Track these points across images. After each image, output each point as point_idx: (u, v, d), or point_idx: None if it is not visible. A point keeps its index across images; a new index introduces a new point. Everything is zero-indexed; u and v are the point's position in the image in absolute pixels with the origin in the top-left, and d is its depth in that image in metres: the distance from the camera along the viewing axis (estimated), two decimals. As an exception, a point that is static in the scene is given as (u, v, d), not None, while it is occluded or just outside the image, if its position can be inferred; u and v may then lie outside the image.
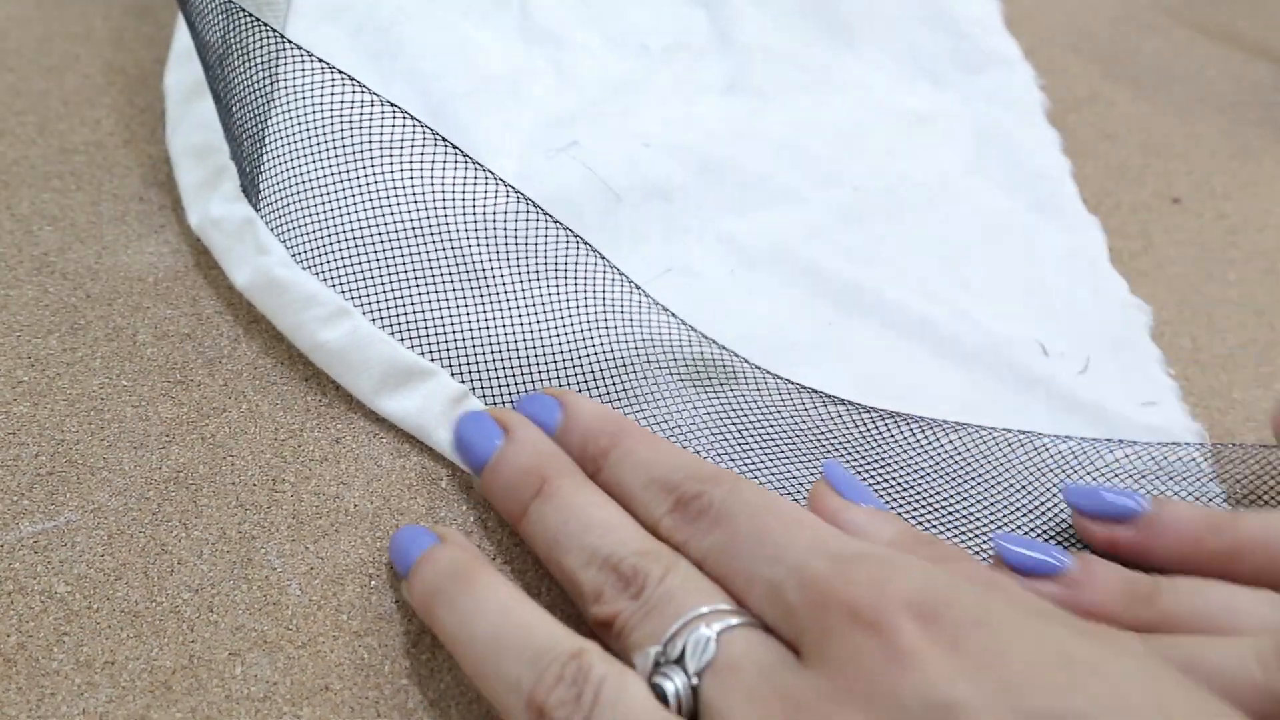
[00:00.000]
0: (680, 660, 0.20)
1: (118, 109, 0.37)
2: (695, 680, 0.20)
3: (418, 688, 0.23)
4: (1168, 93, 0.46)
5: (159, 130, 0.36)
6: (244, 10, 0.31)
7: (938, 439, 0.29)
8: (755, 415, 0.29)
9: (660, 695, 0.20)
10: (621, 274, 0.30)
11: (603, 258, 0.30)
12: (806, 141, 0.39)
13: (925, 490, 0.28)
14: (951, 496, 0.28)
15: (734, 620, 0.21)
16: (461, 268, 0.30)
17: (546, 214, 0.30)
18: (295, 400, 0.29)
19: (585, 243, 0.30)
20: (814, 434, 0.29)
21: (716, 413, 0.29)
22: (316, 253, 0.30)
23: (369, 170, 0.31)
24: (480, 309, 0.29)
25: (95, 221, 0.33)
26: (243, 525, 0.26)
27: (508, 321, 0.29)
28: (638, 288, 0.30)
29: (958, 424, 0.29)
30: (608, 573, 0.23)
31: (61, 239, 0.32)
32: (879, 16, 0.45)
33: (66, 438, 0.27)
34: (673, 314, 0.30)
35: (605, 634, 0.22)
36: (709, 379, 0.29)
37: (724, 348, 0.30)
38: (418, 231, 0.30)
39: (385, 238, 0.30)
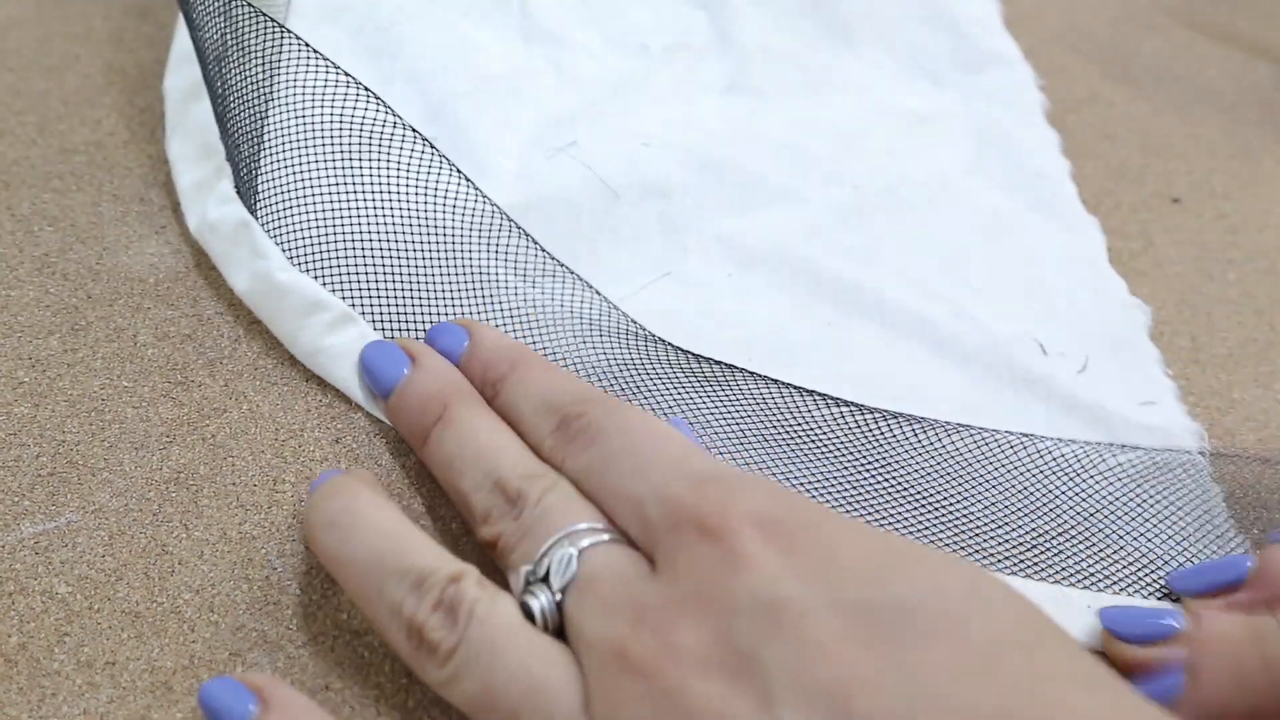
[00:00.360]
0: (547, 578, 0.21)
1: (118, 109, 0.37)
2: (559, 596, 0.21)
3: (418, 686, 0.23)
4: (1167, 93, 0.46)
5: (159, 131, 0.36)
6: (245, 4, 0.31)
7: (938, 440, 0.29)
8: (757, 415, 0.29)
9: (528, 613, 0.21)
10: (612, 304, 0.30)
11: (593, 289, 0.30)
12: (806, 141, 0.39)
13: (925, 490, 0.28)
14: (951, 497, 0.28)
15: (601, 537, 0.22)
16: (460, 269, 0.30)
17: (530, 237, 0.30)
18: (296, 401, 0.29)
19: (571, 271, 0.30)
20: (814, 435, 0.29)
21: (718, 413, 0.29)
22: (316, 255, 0.30)
23: (367, 171, 0.31)
24: (480, 313, 0.29)
25: (96, 222, 0.33)
26: (243, 525, 0.26)
27: (509, 326, 0.29)
28: (633, 321, 0.30)
29: (959, 425, 0.29)
30: (496, 494, 0.23)
31: (62, 240, 0.32)
32: (879, 16, 0.45)
33: (67, 439, 0.27)
34: (669, 344, 0.30)
35: (493, 554, 0.23)
36: (710, 376, 0.29)
37: (718, 363, 0.30)
38: (416, 234, 0.30)
39: (383, 240, 0.30)
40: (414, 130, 0.31)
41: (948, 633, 0.18)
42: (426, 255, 0.30)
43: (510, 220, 0.31)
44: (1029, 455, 0.29)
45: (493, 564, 0.24)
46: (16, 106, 0.36)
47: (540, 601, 0.21)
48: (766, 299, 0.33)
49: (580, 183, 0.35)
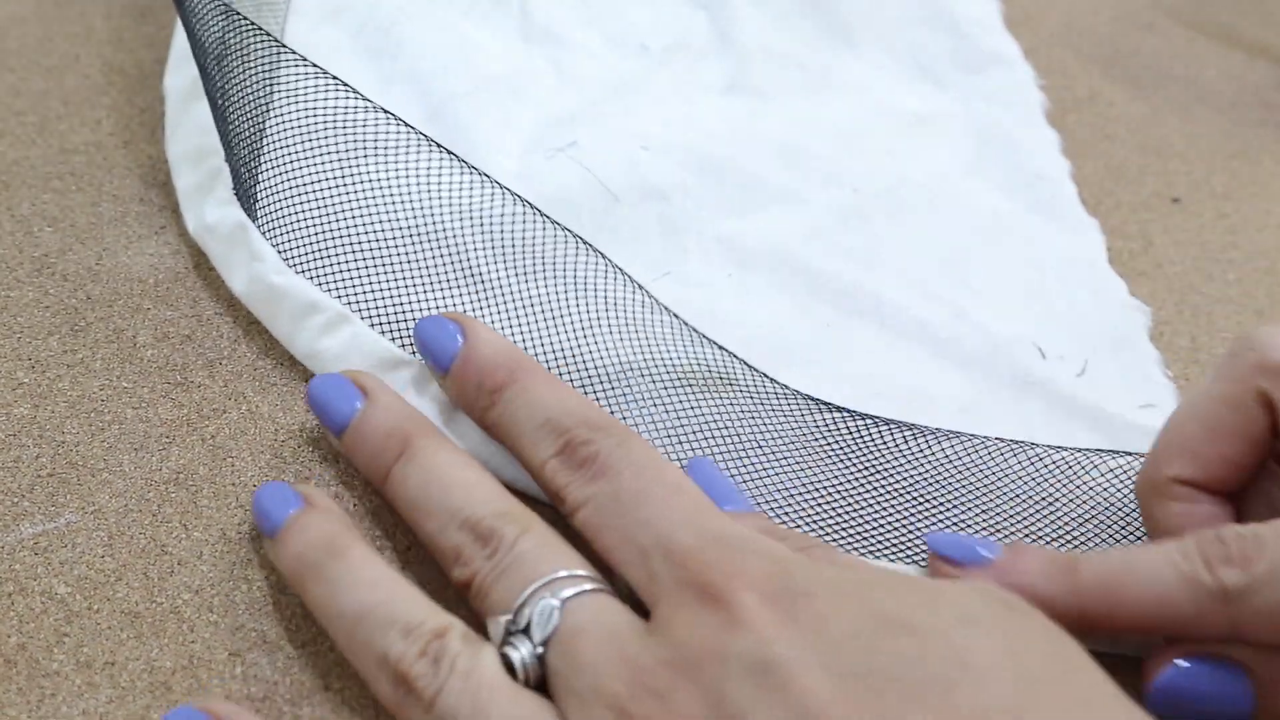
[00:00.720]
0: (527, 629, 0.21)
1: (118, 109, 0.37)
2: (540, 649, 0.21)
3: (417, 688, 0.23)
4: (1167, 93, 0.46)
5: (159, 131, 0.36)
6: (242, 16, 0.31)
7: (929, 447, 0.29)
8: (751, 422, 0.29)
9: (509, 664, 0.21)
10: (622, 272, 0.30)
11: (602, 255, 0.30)
12: (806, 142, 0.39)
13: (919, 496, 0.28)
14: (945, 503, 0.28)
15: (584, 586, 0.22)
16: (458, 270, 0.30)
17: (543, 214, 0.30)
18: (295, 401, 0.29)
19: (584, 241, 0.30)
20: (809, 441, 0.29)
21: (713, 418, 0.29)
22: (312, 257, 0.30)
23: (364, 174, 0.31)
24: (477, 312, 0.29)
25: (95, 223, 0.33)
26: (242, 526, 0.26)
27: (505, 324, 0.29)
28: (639, 286, 0.30)
29: (951, 432, 0.29)
30: (465, 533, 0.23)
31: (62, 240, 0.32)
32: (879, 16, 0.45)
33: (67, 439, 0.27)
34: (673, 313, 0.30)
35: (467, 596, 0.23)
36: (705, 383, 0.29)
37: (722, 348, 0.30)
38: (414, 235, 0.30)
39: (381, 242, 0.30)
40: (411, 127, 0.31)
41: (932, 700, 0.18)
42: (423, 253, 0.30)
43: (514, 194, 0.30)
44: (1019, 462, 0.29)
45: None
46: (16, 106, 0.36)
47: (521, 654, 0.21)
48: (766, 299, 0.33)
49: (580, 184, 0.35)
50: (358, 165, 0.31)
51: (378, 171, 0.31)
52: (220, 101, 0.32)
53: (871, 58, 0.44)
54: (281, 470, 0.27)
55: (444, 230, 0.30)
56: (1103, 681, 0.19)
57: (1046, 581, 0.24)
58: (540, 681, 0.21)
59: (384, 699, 0.22)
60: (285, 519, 0.24)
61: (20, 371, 0.28)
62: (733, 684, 0.19)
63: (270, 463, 0.27)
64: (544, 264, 0.30)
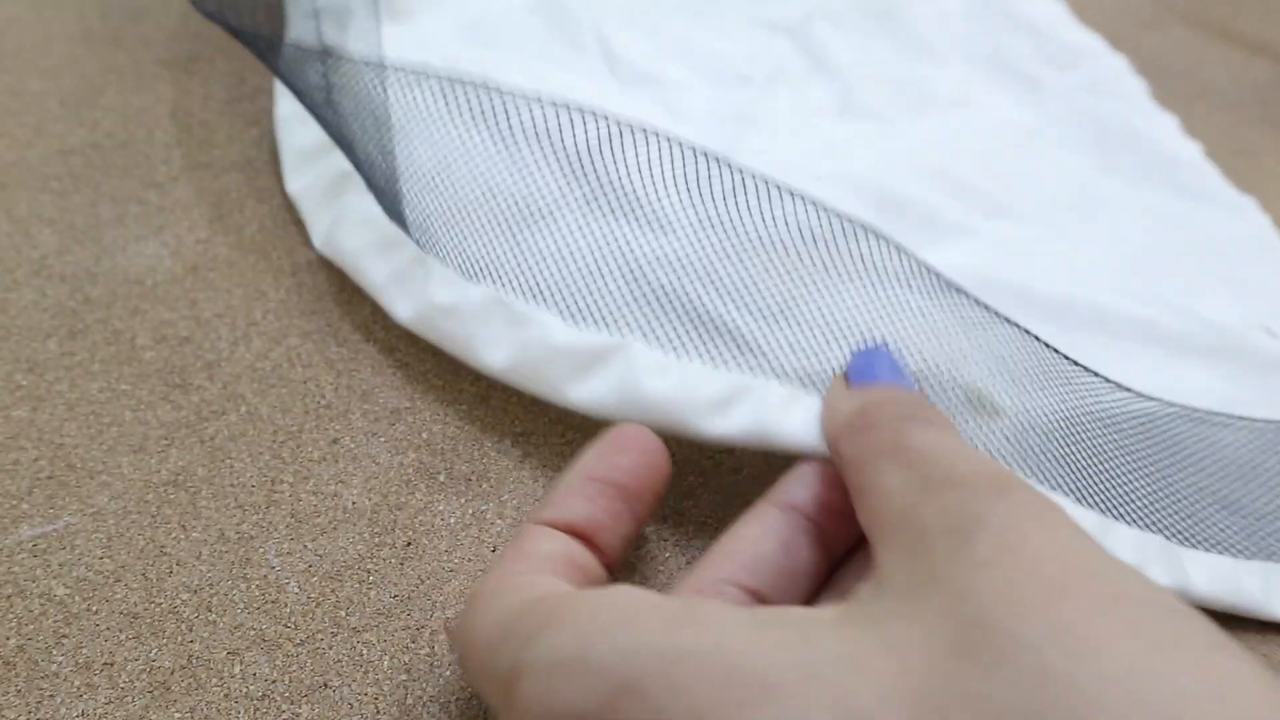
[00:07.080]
0: None
1: (115, 110, 0.37)
2: None
3: (417, 683, 0.23)
4: (1167, 90, 0.46)
5: (155, 131, 0.36)
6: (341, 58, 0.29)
7: (1208, 434, 0.28)
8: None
9: None
10: (910, 253, 0.27)
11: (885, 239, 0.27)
12: (955, 168, 0.37)
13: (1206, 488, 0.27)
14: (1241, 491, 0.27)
15: None
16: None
17: (832, 211, 0.27)
18: (294, 402, 0.29)
19: (877, 233, 0.27)
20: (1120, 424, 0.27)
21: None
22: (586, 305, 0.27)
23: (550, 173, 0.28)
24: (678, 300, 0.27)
25: (94, 224, 0.33)
26: (241, 526, 0.26)
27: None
28: (928, 269, 0.27)
29: (1229, 418, 0.28)
30: None
31: (60, 242, 0.32)
32: (950, 29, 0.44)
33: (66, 441, 0.27)
34: (965, 292, 0.27)
35: None
36: (980, 408, 0.27)
37: (1028, 332, 0.27)
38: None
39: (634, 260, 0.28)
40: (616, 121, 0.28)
41: None
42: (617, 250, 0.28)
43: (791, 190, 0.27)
44: None
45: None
46: (14, 107, 0.36)
47: None
48: (983, 328, 0.31)
49: None
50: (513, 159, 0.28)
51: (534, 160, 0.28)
52: (384, 173, 0.29)
53: (958, 69, 0.42)
54: (280, 470, 0.27)
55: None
56: None
57: None
58: None
59: None
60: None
61: (19, 374, 0.28)
62: None
63: (269, 463, 0.27)
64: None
